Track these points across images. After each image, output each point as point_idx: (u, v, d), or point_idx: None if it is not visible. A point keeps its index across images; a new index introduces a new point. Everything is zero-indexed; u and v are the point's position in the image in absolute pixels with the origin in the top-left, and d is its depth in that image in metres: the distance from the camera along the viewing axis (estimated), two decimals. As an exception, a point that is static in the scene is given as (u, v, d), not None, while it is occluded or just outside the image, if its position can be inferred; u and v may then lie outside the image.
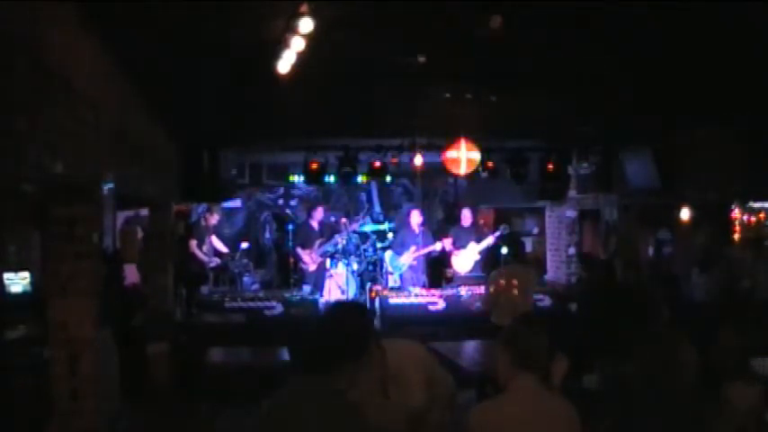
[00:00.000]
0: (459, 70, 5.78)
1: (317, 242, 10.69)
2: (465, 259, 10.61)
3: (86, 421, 4.31)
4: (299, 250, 10.71)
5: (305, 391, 2.36)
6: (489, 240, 10.58)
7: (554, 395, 2.96)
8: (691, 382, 2.94)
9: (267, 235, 13.09)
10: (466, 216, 10.82)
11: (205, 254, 10.31)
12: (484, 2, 4.03)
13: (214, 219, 10.48)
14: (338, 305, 3.00)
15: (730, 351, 3.47)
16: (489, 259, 10.82)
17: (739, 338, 3.54)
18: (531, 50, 5.16)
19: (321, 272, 10.72)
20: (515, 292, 7.12)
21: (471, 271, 10.57)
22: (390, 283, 10.62)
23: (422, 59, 5.40)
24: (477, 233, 10.81)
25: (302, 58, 4.64)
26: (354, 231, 11.15)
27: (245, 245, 11.21)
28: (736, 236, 10.58)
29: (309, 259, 10.62)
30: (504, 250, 10.59)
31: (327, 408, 2.29)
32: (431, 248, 10.54)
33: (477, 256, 10.60)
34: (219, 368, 8.35)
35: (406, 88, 6.46)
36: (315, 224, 10.89)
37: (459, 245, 10.57)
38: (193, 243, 10.16)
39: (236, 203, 12.69)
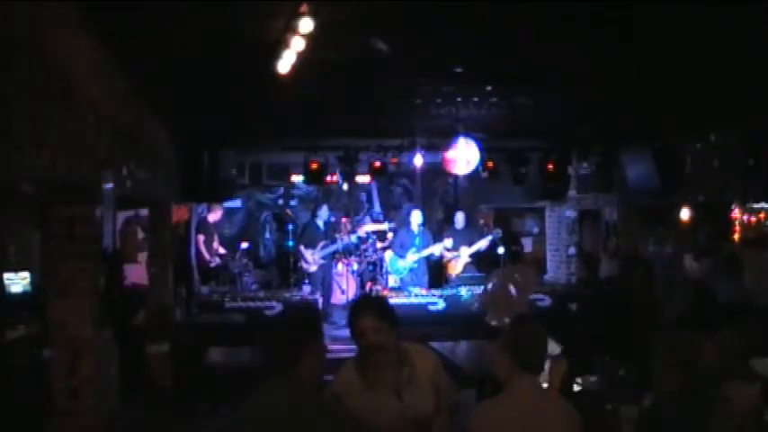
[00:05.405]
0: (460, 70, 5.78)
1: (321, 243, 10.66)
2: (456, 262, 10.60)
3: (86, 421, 4.31)
4: (302, 249, 10.65)
5: (278, 392, 2.51)
6: (481, 244, 10.55)
7: (554, 395, 2.96)
8: (711, 383, 2.94)
9: (267, 235, 13.09)
10: (459, 219, 10.83)
11: (209, 251, 10.30)
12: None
13: (216, 215, 10.49)
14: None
15: (730, 350, 3.46)
16: (487, 260, 10.82)
17: (739, 338, 3.54)
18: (532, 50, 5.16)
19: (328, 274, 10.70)
20: (512, 293, 7.13)
21: (464, 272, 10.56)
22: (390, 283, 10.63)
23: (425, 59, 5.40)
24: (470, 236, 10.78)
25: (302, 58, 4.63)
26: (374, 232, 11.14)
27: (245, 245, 11.21)
28: (736, 236, 10.58)
29: (311, 259, 10.59)
30: (501, 250, 10.59)
31: (301, 407, 2.47)
32: (430, 250, 10.52)
33: (468, 259, 10.57)
34: (219, 368, 8.35)
35: (406, 88, 6.46)
36: (321, 223, 10.84)
37: (452, 247, 10.56)
38: (200, 238, 10.16)
39: (236, 203, 12.68)
